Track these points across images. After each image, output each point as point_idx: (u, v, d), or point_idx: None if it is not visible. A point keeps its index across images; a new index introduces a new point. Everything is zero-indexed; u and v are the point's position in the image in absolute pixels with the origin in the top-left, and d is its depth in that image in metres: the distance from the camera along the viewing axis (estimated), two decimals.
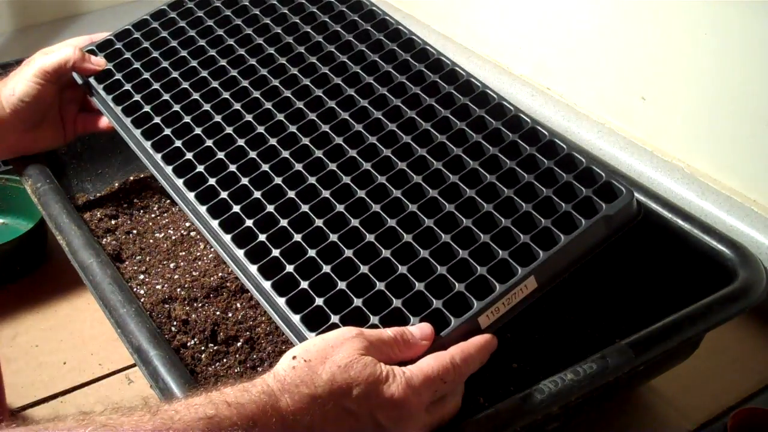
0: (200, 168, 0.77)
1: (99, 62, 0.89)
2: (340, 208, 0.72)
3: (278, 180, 0.75)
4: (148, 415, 0.50)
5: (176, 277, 0.80)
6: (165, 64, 0.88)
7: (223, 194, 0.75)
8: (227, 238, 0.71)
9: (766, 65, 0.84)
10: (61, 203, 0.81)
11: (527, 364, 0.74)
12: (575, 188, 0.72)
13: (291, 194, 0.74)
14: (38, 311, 0.97)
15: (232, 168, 0.77)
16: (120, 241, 0.86)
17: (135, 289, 0.79)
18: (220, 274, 0.80)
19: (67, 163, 0.99)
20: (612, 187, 0.72)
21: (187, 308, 0.76)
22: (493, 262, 0.66)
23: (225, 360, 0.73)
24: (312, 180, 0.75)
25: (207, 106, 0.83)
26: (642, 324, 0.68)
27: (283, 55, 0.87)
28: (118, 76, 0.88)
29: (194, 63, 0.88)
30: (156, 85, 0.86)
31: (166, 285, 0.79)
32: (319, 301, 0.66)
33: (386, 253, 0.68)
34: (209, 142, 0.80)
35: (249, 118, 0.81)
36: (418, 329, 0.62)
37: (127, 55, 0.90)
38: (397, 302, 0.65)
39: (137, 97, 0.85)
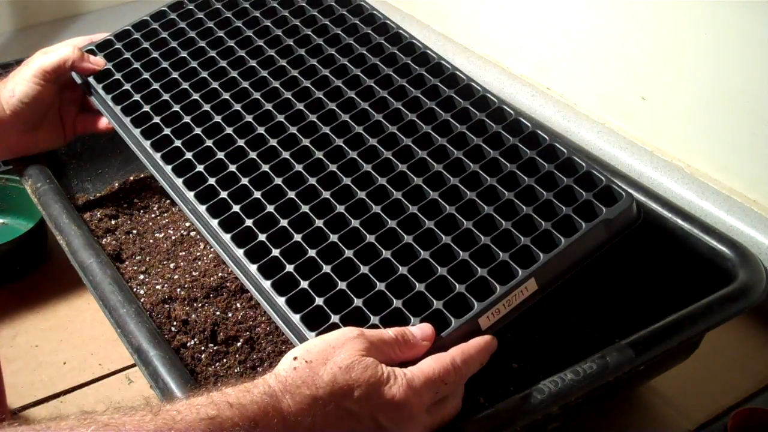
0: (200, 168, 0.78)
1: (98, 62, 0.89)
2: (340, 208, 0.73)
3: (278, 180, 0.75)
4: (150, 415, 0.50)
5: (176, 277, 0.80)
6: (165, 64, 0.88)
7: (223, 194, 0.75)
8: (227, 237, 0.71)
9: (766, 65, 0.84)
10: (61, 203, 0.81)
11: (527, 364, 0.74)
12: (575, 192, 0.72)
13: (291, 194, 0.74)
14: (38, 311, 0.97)
15: (232, 168, 0.77)
16: (120, 241, 0.86)
17: (135, 289, 0.79)
18: (220, 274, 0.80)
19: (67, 163, 0.99)
20: (612, 191, 0.72)
21: (187, 308, 0.76)
22: (493, 264, 0.67)
23: (225, 360, 0.73)
24: (312, 180, 0.75)
25: (207, 107, 0.83)
26: (642, 324, 0.68)
27: (284, 57, 0.87)
28: (118, 75, 0.88)
29: (194, 64, 0.88)
30: (156, 85, 0.86)
31: (166, 285, 0.79)
32: (319, 301, 0.66)
33: (387, 253, 0.68)
34: (209, 142, 0.80)
35: (249, 118, 0.81)
36: (419, 330, 0.62)
37: (127, 55, 0.90)
38: (397, 303, 0.65)
39: (137, 97, 0.85)
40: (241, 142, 0.79)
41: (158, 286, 0.79)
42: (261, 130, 0.80)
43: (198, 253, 0.84)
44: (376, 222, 0.71)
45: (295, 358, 0.57)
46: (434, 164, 0.75)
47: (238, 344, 0.74)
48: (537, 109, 1.07)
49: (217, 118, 0.82)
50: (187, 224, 0.88)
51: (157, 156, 0.80)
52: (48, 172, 0.86)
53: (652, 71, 0.96)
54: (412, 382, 0.57)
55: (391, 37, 0.87)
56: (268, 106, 0.82)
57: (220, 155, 0.78)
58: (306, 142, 0.78)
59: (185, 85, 0.86)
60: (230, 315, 0.76)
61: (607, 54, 1.01)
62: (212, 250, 0.83)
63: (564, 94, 1.09)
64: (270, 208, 0.73)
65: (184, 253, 0.84)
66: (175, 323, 0.75)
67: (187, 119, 0.82)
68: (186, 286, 0.79)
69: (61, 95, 0.89)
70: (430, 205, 0.72)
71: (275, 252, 0.70)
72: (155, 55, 0.89)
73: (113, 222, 0.89)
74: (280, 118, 0.81)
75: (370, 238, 0.70)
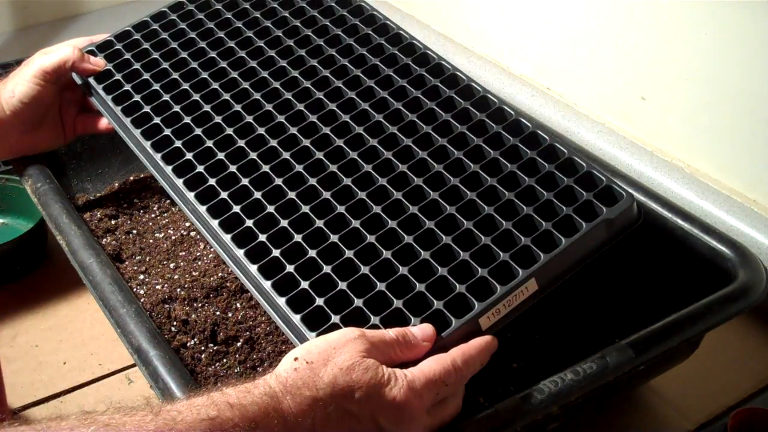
0: (200, 168, 0.78)
1: (98, 62, 0.89)
2: (340, 208, 0.73)
3: (278, 181, 0.75)
4: (151, 415, 0.50)
5: (176, 277, 0.80)
6: (165, 65, 0.88)
7: (223, 194, 0.75)
8: (227, 237, 0.71)
9: (766, 65, 0.84)
10: (61, 203, 0.81)
11: (527, 364, 0.74)
12: (576, 192, 0.72)
13: (291, 195, 0.74)
14: (38, 311, 0.97)
15: (233, 168, 0.77)
16: (120, 241, 0.86)
17: (135, 289, 0.79)
18: (220, 274, 0.80)
19: (67, 163, 0.99)
20: (612, 191, 0.72)
21: (187, 308, 0.76)
22: (493, 264, 0.67)
23: (225, 360, 0.73)
24: (312, 181, 0.75)
25: (207, 107, 0.83)
26: (642, 324, 0.68)
27: (284, 58, 0.87)
28: (118, 76, 0.88)
29: (195, 65, 0.88)
30: (156, 86, 0.86)
31: (166, 285, 0.79)
32: (319, 301, 0.66)
33: (387, 254, 0.69)
34: (209, 143, 0.80)
35: (249, 119, 0.81)
36: (420, 330, 0.62)
37: (127, 56, 0.90)
38: (398, 303, 0.65)
39: (137, 98, 0.85)
40: (241, 143, 0.79)
41: (158, 286, 0.79)
42: (261, 130, 0.80)
43: (198, 253, 0.84)
44: (377, 222, 0.71)
45: (295, 359, 0.57)
46: (434, 164, 0.75)
47: (238, 344, 0.74)
48: (537, 109, 1.07)
49: (218, 119, 0.82)
50: (187, 224, 0.88)
51: (158, 156, 0.80)
52: (48, 172, 0.86)
53: (652, 71, 0.96)
54: (412, 384, 0.57)
55: (392, 37, 0.87)
56: (269, 107, 0.82)
57: (221, 156, 0.78)
58: (306, 142, 0.78)
59: (186, 86, 0.86)
60: (230, 315, 0.76)
61: (607, 54, 1.01)
62: (212, 250, 0.83)
63: (564, 94, 1.09)
64: (270, 209, 0.73)
65: (184, 253, 0.84)
66: (175, 323, 0.75)
67: (187, 120, 0.82)
68: (186, 286, 0.79)
69: (61, 96, 0.89)
70: (430, 205, 0.72)
71: (275, 252, 0.70)
72: (156, 55, 0.90)
73: (113, 222, 0.89)
74: (281, 118, 0.81)
75: (371, 239, 0.70)
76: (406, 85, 0.82)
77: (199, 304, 0.77)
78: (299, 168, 0.76)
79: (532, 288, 0.66)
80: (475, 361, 0.62)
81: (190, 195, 0.76)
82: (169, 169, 0.78)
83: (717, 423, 0.81)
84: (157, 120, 0.83)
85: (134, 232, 0.88)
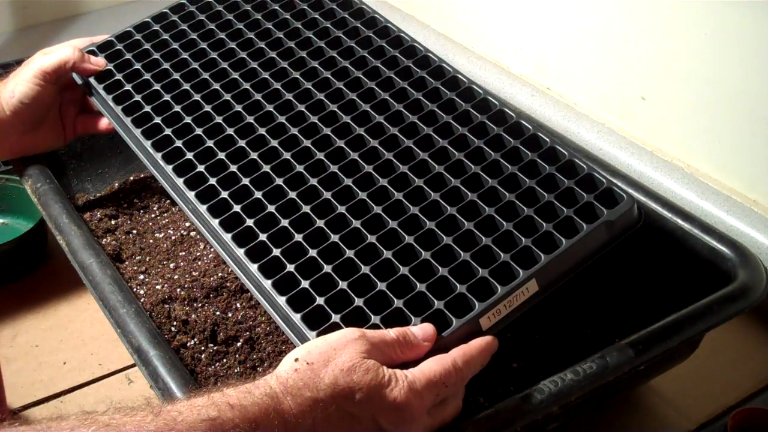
0: (201, 168, 0.78)
1: (99, 62, 0.89)
2: (341, 209, 0.73)
3: (279, 180, 0.76)
4: (151, 415, 0.50)
5: (176, 277, 0.80)
6: (166, 65, 0.88)
7: (224, 194, 0.75)
8: (227, 237, 0.71)
9: (766, 65, 0.84)
10: (61, 203, 0.81)
11: (527, 364, 0.74)
12: (576, 194, 0.72)
13: (292, 194, 0.74)
14: (38, 311, 0.97)
15: (233, 168, 0.77)
16: (120, 241, 0.86)
17: (135, 289, 0.79)
18: (220, 274, 0.80)
19: (67, 163, 0.99)
20: (613, 193, 0.72)
21: (187, 308, 0.76)
22: (494, 265, 0.67)
23: (225, 360, 0.73)
24: (313, 181, 0.75)
25: (208, 108, 0.83)
26: (642, 324, 0.68)
27: (285, 59, 0.87)
28: (119, 76, 0.88)
29: (195, 65, 0.88)
30: (157, 86, 0.86)
31: (166, 285, 0.79)
32: (320, 301, 0.66)
33: (388, 254, 0.69)
34: (210, 143, 0.80)
35: (250, 119, 0.81)
36: (420, 330, 0.62)
37: (128, 56, 0.90)
38: (398, 302, 0.65)
39: (137, 98, 0.86)
40: (242, 143, 0.79)
41: (158, 286, 0.79)
42: (262, 131, 0.80)
43: (198, 253, 0.84)
44: (377, 222, 0.71)
45: (296, 360, 0.57)
46: (435, 165, 0.75)
47: (238, 344, 0.74)
48: (537, 109, 1.07)
49: (219, 119, 0.82)
50: (187, 224, 0.88)
51: (158, 156, 0.80)
52: (48, 172, 0.86)
53: (652, 71, 0.96)
54: (413, 385, 0.57)
55: (393, 40, 0.87)
56: (270, 108, 0.82)
57: (221, 156, 0.78)
58: (307, 143, 0.79)
59: (186, 87, 0.86)
60: (230, 315, 0.76)
61: (607, 54, 1.01)
62: (212, 250, 0.83)
63: (564, 94, 1.09)
64: (271, 208, 0.73)
65: (184, 253, 0.84)
66: (175, 323, 0.75)
67: (188, 120, 0.82)
68: (186, 286, 0.79)
69: (62, 96, 0.89)
70: (431, 206, 0.72)
71: (276, 252, 0.70)
72: (156, 56, 0.90)
73: (113, 222, 0.89)
74: (282, 119, 0.81)
75: (371, 239, 0.70)
76: (407, 87, 0.82)
77: (199, 304, 0.77)
78: (300, 168, 0.76)
79: (532, 289, 0.66)
80: (476, 361, 0.62)
81: (191, 194, 0.76)
82: (169, 168, 0.78)
83: (717, 423, 0.81)
84: (157, 120, 0.83)
85: (134, 232, 0.88)
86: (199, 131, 0.81)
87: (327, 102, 0.82)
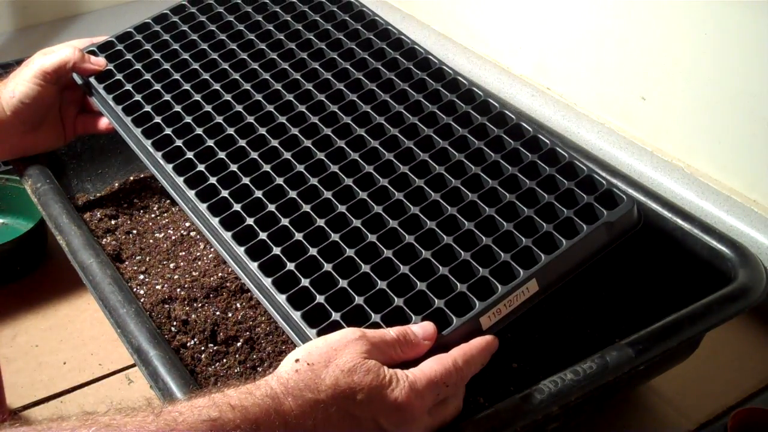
0: (201, 167, 0.78)
1: (99, 62, 0.89)
2: (341, 208, 0.73)
3: (279, 180, 0.76)
4: (152, 416, 0.50)
5: (176, 277, 0.80)
6: (166, 65, 0.88)
7: (224, 193, 0.75)
8: (228, 235, 0.71)
9: (766, 65, 0.84)
10: (61, 203, 0.81)
11: (527, 364, 0.74)
12: (576, 195, 0.72)
13: (292, 194, 0.74)
14: (38, 311, 0.97)
15: (234, 168, 0.77)
16: (120, 241, 0.86)
17: (135, 289, 0.79)
18: (220, 274, 0.80)
19: (67, 163, 0.99)
20: (613, 194, 0.72)
21: (187, 308, 0.76)
22: (494, 265, 0.67)
23: (225, 360, 0.73)
24: (314, 181, 0.75)
25: (208, 107, 0.83)
26: (642, 324, 0.68)
27: (285, 60, 0.87)
28: (119, 76, 0.88)
29: (196, 65, 0.88)
30: (157, 86, 0.86)
31: (166, 285, 0.79)
32: (320, 299, 0.66)
33: (388, 253, 0.69)
34: (210, 142, 0.80)
35: (251, 119, 0.82)
36: (421, 329, 0.62)
37: (128, 56, 0.90)
38: (398, 301, 0.65)
39: (138, 97, 0.86)
40: (242, 143, 0.79)
41: (158, 286, 0.79)
42: (263, 130, 0.80)
43: (198, 253, 0.84)
44: (378, 222, 0.72)
45: (296, 360, 0.57)
46: (436, 166, 0.75)
47: (238, 344, 0.74)
48: (537, 109, 1.07)
49: (219, 119, 0.82)
50: (187, 224, 0.89)
51: (158, 155, 0.80)
52: (48, 172, 0.86)
53: (652, 71, 0.96)
54: (414, 385, 0.57)
55: (393, 42, 0.87)
56: (270, 108, 0.82)
57: (222, 155, 0.79)
58: (307, 143, 0.79)
59: (187, 87, 0.86)
60: (230, 315, 0.76)
61: (607, 54, 1.01)
62: (212, 250, 0.83)
63: (564, 94, 1.09)
64: (271, 207, 0.73)
65: (184, 253, 0.84)
66: (175, 323, 0.75)
67: (188, 119, 0.83)
68: (186, 286, 0.79)
69: (62, 96, 0.89)
70: (431, 206, 0.72)
71: (276, 250, 0.70)
72: (157, 56, 0.90)
73: (113, 222, 0.89)
74: (282, 119, 0.81)
75: (372, 238, 0.70)
76: (407, 88, 0.82)
77: (199, 304, 0.77)
78: (300, 168, 0.76)
79: (532, 288, 0.66)
80: (476, 360, 0.62)
81: (191, 193, 0.76)
82: (170, 167, 0.78)
83: (717, 423, 0.81)
84: (158, 119, 0.83)
85: (134, 232, 0.88)
86: (199, 131, 0.81)
87: (328, 103, 0.82)
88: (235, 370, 0.72)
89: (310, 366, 0.56)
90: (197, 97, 0.85)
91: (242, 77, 0.86)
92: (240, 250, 0.70)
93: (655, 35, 0.94)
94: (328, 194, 0.74)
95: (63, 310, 0.98)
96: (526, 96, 1.09)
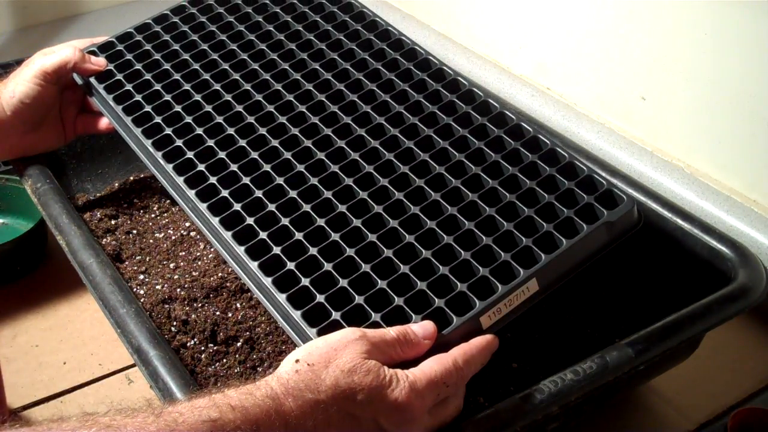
0: (201, 167, 0.78)
1: (99, 62, 0.89)
2: (341, 208, 0.73)
3: (280, 180, 0.76)
4: (152, 416, 0.50)
5: (176, 277, 0.80)
6: (167, 66, 0.88)
7: (224, 193, 0.75)
8: (228, 235, 0.71)
9: (766, 65, 0.84)
10: (61, 203, 0.81)
11: (527, 364, 0.74)
12: (576, 195, 0.72)
13: (293, 194, 0.74)
14: (38, 311, 0.97)
15: (234, 167, 0.77)
16: (120, 241, 0.86)
17: (135, 289, 0.79)
18: (220, 274, 0.80)
19: (67, 163, 0.99)
20: (613, 194, 0.72)
21: (187, 308, 0.76)
22: (495, 264, 0.67)
23: (225, 360, 0.73)
24: (314, 181, 0.75)
25: (209, 107, 0.84)
26: (642, 324, 0.68)
27: (286, 61, 0.87)
28: (119, 76, 0.88)
29: (196, 66, 0.88)
30: (157, 86, 0.86)
31: (166, 285, 0.79)
32: (320, 298, 0.66)
33: (388, 252, 0.69)
34: (210, 142, 0.80)
35: (251, 119, 0.82)
36: (421, 328, 0.62)
37: (129, 56, 0.90)
38: (398, 300, 0.65)
39: (138, 97, 0.86)
40: (242, 143, 0.80)
41: (158, 286, 0.79)
42: (263, 130, 0.80)
43: (198, 253, 0.84)
44: (378, 221, 0.72)
45: (297, 361, 0.57)
46: (436, 166, 0.75)
47: (238, 344, 0.74)
48: (537, 109, 1.07)
49: (219, 119, 0.82)
50: (187, 224, 0.89)
51: (159, 155, 0.80)
52: (48, 172, 0.86)
53: (652, 71, 0.96)
54: (414, 385, 0.57)
55: (393, 42, 0.87)
56: (270, 108, 0.82)
57: (222, 155, 0.79)
58: (308, 143, 0.79)
59: (187, 87, 0.86)
60: (230, 315, 0.76)
61: (607, 54, 1.01)
62: (212, 250, 0.84)
63: (564, 94, 1.09)
64: (271, 207, 0.73)
65: (184, 253, 0.84)
66: (175, 323, 0.75)
67: (188, 119, 0.83)
68: (186, 286, 0.79)
69: (62, 96, 0.89)
70: (431, 205, 0.72)
71: (276, 250, 0.70)
72: (157, 57, 0.90)
73: (113, 222, 0.89)
74: (282, 119, 0.81)
75: (372, 237, 0.70)
76: (407, 89, 0.83)
77: (199, 304, 0.77)
78: (300, 168, 0.77)
79: (533, 288, 0.66)
80: (476, 360, 0.62)
81: (191, 193, 0.76)
82: (170, 167, 0.79)
83: (717, 423, 0.81)
84: (158, 119, 0.83)
85: (134, 232, 0.88)
86: (199, 131, 0.81)
87: (328, 103, 0.82)
88: (235, 370, 0.72)
89: (311, 366, 0.56)
90: (197, 97, 0.85)
91: (243, 78, 0.86)
92: (240, 250, 0.70)
93: (655, 35, 0.94)
94: (328, 194, 0.74)
95: (63, 310, 0.98)
96: (526, 96, 1.09)
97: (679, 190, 0.93)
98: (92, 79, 0.88)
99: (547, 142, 0.76)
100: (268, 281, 0.68)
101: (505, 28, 1.14)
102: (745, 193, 0.91)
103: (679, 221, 0.78)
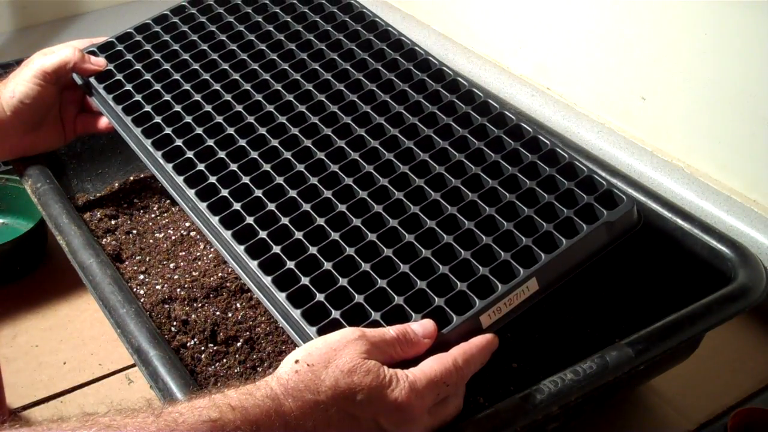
0: (201, 167, 0.78)
1: (99, 62, 0.89)
2: (341, 207, 0.73)
3: (279, 179, 0.76)
4: (152, 417, 0.50)
5: (176, 277, 0.80)
6: (166, 66, 0.89)
7: (224, 192, 0.75)
8: (227, 234, 0.72)
9: (766, 65, 0.84)
10: (61, 203, 0.81)
11: (527, 364, 0.74)
12: (576, 195, 0.72)
13: (292, 193, 0.74)
14: (38, 311, 0.97)
15: (234, 167, 0.77)
16: (120, 241, 0.86)
17: (135, 289, 0.79)
18: (219, 274, 0.80)
19: (67, 163, 0.99)
20: (613, 194, 0.72)
21: (187, 308, 0.76)
22: (495, 264, 0.67)
23: (225, 360, 0.73)
24: (314, 180, 0.75)
25: (208, 107, 0.84)
26: (642, 324, 0.68)
27: (285, 61, 0.87)
28: (119, 76, 0.88)
29: (196, 66, 0.88)
30: (157, 86, 0.86)
31: (165, 285, 0.79)
32: (320, 297, 0.66)
33: (388, 251, 0.69)
34: (210, 142, 0.80)
35: (251, 119, 0.82)
36: (421, 327, 0.62)
37: (129, 56, 0.90)
38: (398, 299, 0.65)
39: (138, 97, 0.86)
40: (242, 142, 0.80)
41: (158, 286, 0.79)
42: (263, 130, 0.81)
43: (198, 253, 0.84)
44: (378, 221, 0.72)
45: (296, 361, 0.57)
46: (436, 166, 0.75)
47: (238, 344, 0.74)
48: (537, 109, 1.07)
49: (219, 119, 0.82)
50: (187, 224, 0.89)
51: (158, 155, 0.80)
52: (48, 172, 0.86)
53: (652, 71, 0.96)
54: (414, 385, 0.57)
55: (393, 43, 0.88)
56: (270, 108, 0.83)
57: (222, 154, 0.79)
58: (308, 142, 0.79)
59: (187, 87, 0.86)
60: (230, 315, 0.76)
61: (607, 54, 1.01)
62: (212, 250, 0.84)
63: (564, 94, 1.09)
64: (271, 206, 0.73)
65: (184, 253, 0.84)
66: (175, 323, 0.75)
67: (188, 119, 0.83)
68: (186, 286, 0.79)
69: (61, 96, 0.89)
70: (431, 205, 0.72)
71: (276, 249, 0.70)
72: (157, 57, 0.90)
73: (113, 222, 0.89)
74: (282, 119, 0.81)
75: (372, 237, 0.70)
76: (407, 89, 0.83)
77: (199, 304, 0.77)
78: (300, 167, 0.77)
79: (532, 287, 0.66)
80: (476, 359, 0.62)
81: (191, 193, 0.76)
82: (169, 167, 0.79)
83: (717, 423, 0.81)
84: (158, 119, 0.83)
85: (134, 232, 0.88)
86: (199, 130, 0.81)
87: (328, 103, 0.82)
88: (235, 370, 0.72)
89: (310, 367, 0.56)
90: (197, 97, 0.85)
91: (242, 78, 0.86)
92: (240, 249, 0.70)
93: (655, 35, 0.94)
94: (328, 193, 0.74)
95: (63, 310, 0.98)
96: (526, 96, 1.09)
97: (679, 190, 0.93)
98: (92, 79, 0.88)
99: (547, 142, 0.76)
100: (267, 280, 0.68)
101: (505, 28, 1.14)
102: (745, 193, 0.91)
103: (679, 221, 0.78)
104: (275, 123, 0.81)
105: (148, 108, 0.84)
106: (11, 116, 0.84)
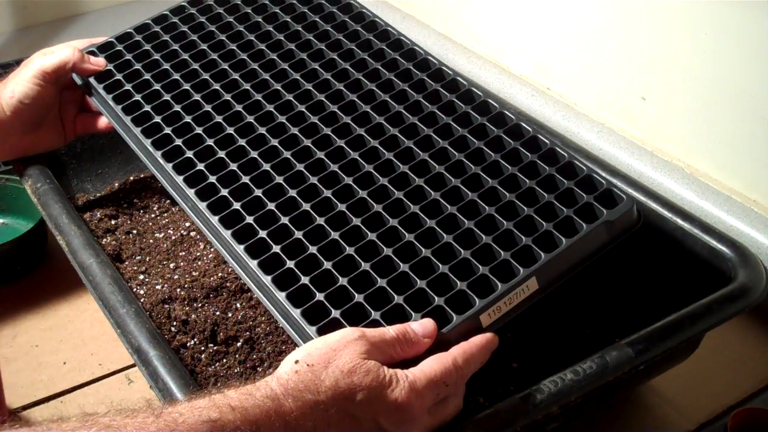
0: (201, 166, 0.78)
1: (99, 62, 0.89)
2: (341, 207, 0.73)
3: (279, 179, 0.76)
4: (152, 417, 0.50)
5: (176, 277, 0.80)
6: (166, 66, 0.89)
7: (224, 192, 0.75)
8: (227, 233, 0.72)
9: (766, 65, 0.84)
10: (61, 203, 0.81)
11: (527, 364, 0.74)
12: (576, 194, 0.72)
13: (292, 193, 0.74)
14: (38, 311, 0.97)
15: (234, 167, 0.77)
16: (120, 241, 0.86)
17: (135, 289, 0.79)
18: (219, 274, 0.80)
19: (67, 163, 0.99)
20: (613, 194, 0.72)
21: (187, 308, 0.76)
22: (494, 263, 0.67)
23: (225, 360, 0.73)
24: (314, 180, 0.75)
25: (208, 107, 0.84)
26: (642, 324, 0.68)
27: (285, 61, 0.87)
28: (119, 76, 0.88)
29: (196, 66, 0.88)
30: (157, 86, 0.86)
31: (165, 285, 0.79)
32: (319, 296, 0.66)
33: (388, 251, 0.69)
34: (210, 141, 0.80)
35: (250, 119, 0.82)
36: (421, 326, 0.62)
37: (128, 56, 0.90)
38: (398, 299, 0.65)
39: (137, 97, 0.86)
40: (242, 142, 0.80)
41: (158, 286, 0.79)
42: (262, 130, 0.81)
43: (198, 253, 0.84)
44: (377, 220, 0.72)
45: (296, 362, 0.57)
46: (435, 165, 0.75)
47: (238, 344, 0.74)
48: (537, 109, 1.07)
49: (219, 119, 0.82)
50: (187, 224, 0.89)
51: (158, 154, 0.80)
52: (48, 172, 0.86)
53: (652, 71, 0.96)
54: (414, 385, 0.57)
55: (393, 43, 0.88)
56: (270, 108, 0.83)
57: (221, 154, 0.79)
58: (307, 142, 0.79)
59: (187, 86, 0.86)
60: (230, 315, 0.76)
61: (607, 54, 1.01)
62: (212, 250, 0.84)
63: (564, 94, 1.09)
64: (271, 206, 0.74)
65: (184, 253, 0.84)
66: (175, 323, 0.75)
67: (188, 119, 0.83)
68: (186, 286, 0.79)
69: (61, 96, 0.89)
70: (431, 205, 0.72)
71: (276, 248, 0.70)
72: (156, 57, 0.90)
73: (113, 222, 0.89)
74: (282, 119, 0.81)
75: (372, 236, 0.70)
76: (407, 89, 0.83)
77: (199, 304, 0.77)
78: (300, 167, 0.77)
79: (532, 287, 0.66)
80: (476, 359, 0.62)
81: (191, 192, 0.76)
82: (169, 166, 0.79)
83: (717, 423, 0.81)
84: (157, 119, 0.83)
85: (134, 232, 0.88)
86: (199, 130, 0.81)
87: (327, 103, 0.82)
88: (235, 370, 0.72)
89: (310, 367, 0.56)
90: (197, 96, 0.85)
91: (242, 77, 0.86)
92: (240, 249, 0.70)
93: (655, 35, 0.94)
94: (328, 193, 0.74)
95: (63, 310, 0.98)
96: (526, 96, 1.09)
97: (679, 190, 0.93)
98: (91, 79, 0.88)
99: (547, 141, 0.76)
100: (267, 280, 0.68)
101: (505, 28, 1.14)
102: (745, 193, 0.91)
103: (679, 221, 0.78)
104: (275, 123, 0.81)
105: (147, 108, 0.84)
106: (11, 116, 0.84)
